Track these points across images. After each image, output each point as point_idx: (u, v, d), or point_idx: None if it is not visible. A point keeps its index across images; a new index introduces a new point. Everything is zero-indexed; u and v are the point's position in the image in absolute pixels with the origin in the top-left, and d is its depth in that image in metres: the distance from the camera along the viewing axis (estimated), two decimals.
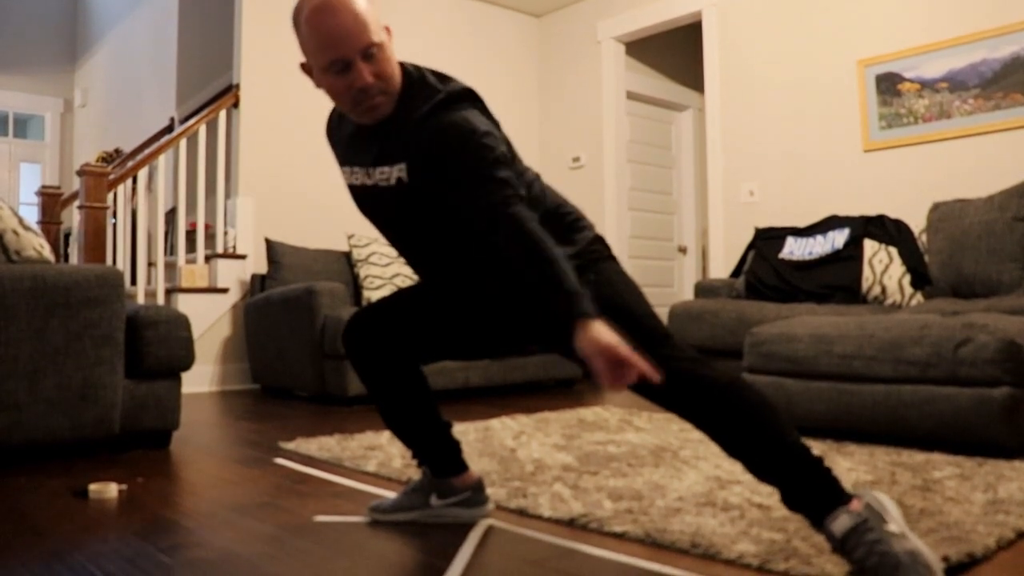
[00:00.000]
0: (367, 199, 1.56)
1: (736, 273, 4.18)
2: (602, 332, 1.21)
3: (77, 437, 2.37)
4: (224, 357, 4.55)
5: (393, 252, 4.41)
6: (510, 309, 1.56)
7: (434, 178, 1.42)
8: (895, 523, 1.25)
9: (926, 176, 4.07)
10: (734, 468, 2.13)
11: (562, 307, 1.25)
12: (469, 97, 1.46)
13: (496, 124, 1.49)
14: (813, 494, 1.30)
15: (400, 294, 1.67)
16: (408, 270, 4.46)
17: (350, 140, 1.56)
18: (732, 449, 1.36)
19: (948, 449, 2.38)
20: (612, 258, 1.54)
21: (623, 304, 1.43)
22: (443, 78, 1.49)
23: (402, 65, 1.48)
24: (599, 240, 1.55)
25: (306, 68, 1.46)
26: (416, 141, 1.42)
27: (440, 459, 1.68)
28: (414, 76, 1.47)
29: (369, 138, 1.50)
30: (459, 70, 5.63)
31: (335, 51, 1.37)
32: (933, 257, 3.59)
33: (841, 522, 1.25)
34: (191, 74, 5.94)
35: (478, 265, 1.52)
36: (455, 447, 1.70)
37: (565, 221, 1.53)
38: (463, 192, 1.38)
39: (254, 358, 4.31)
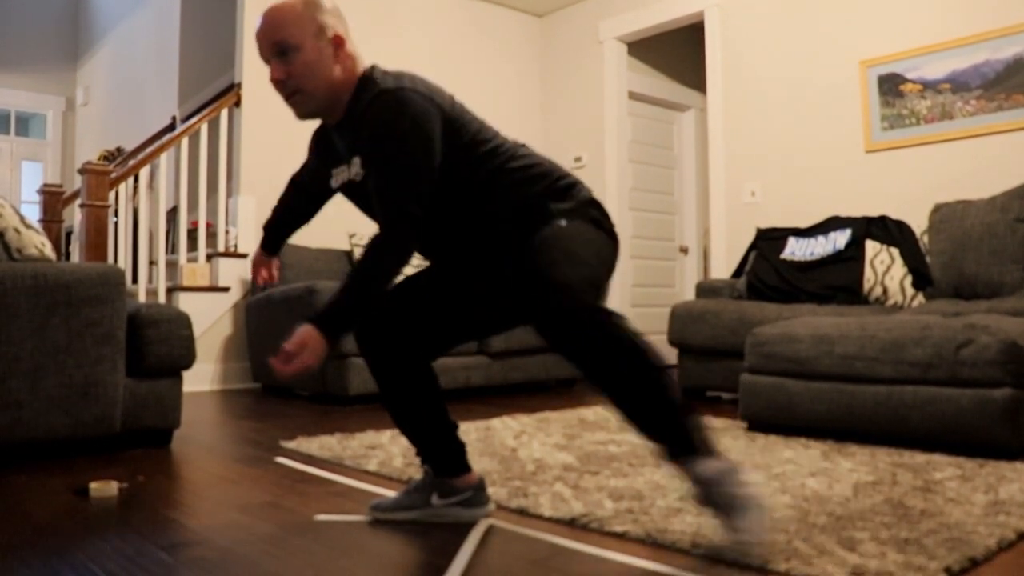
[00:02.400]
0: (358, 195, 1.63)
1: (737, 273, 4.18)
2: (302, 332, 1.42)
3: (78, 435, 2.38)
4: (225, 356, 4.55)
5: None
6: (499, 279, 1.61)
7: (367, 165, 1.53)
8: (749, 477, 1.40)
9: (928, 177, 4.07)
10: None
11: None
12: (405, 83, 1.52)
13: (433, 100, 1.53)
14: (681, 441, 1.38)
15: (405, 283, 1.69)
16: (409, 269, 4.46)
17: (329, 141, 1.69)
18: (624, 403, 1.39)
19: (949, 450, 2.38)
20: (600, 224, 1.59)
21: (572, 246, 1.48)
22: (399, 75, 1.56)
23: (369, 69, 1.59)
24: (593, 204, 1.62)
25: None
26: (361, 132, 1.53)
27: (445, 459, 1.69)
28: (368, 75, 1.58)
29: (339, 136, 1.63)
30: (461, 69, 5.63)
31: (258, 46, 1.55)
32: (935, 258, 3.59)
33: (703, 467, 1.37)
34: (193, 73, 5.94)
35: (463, 228, 1.60)
36: (460, 448, 1.70)
37: (559, 185, 1.61)
38: (373, 183, 1.51)
39: (255, 357, 4.31)
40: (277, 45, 1.51)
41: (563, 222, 1.54)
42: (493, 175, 1.58)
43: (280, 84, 1.54)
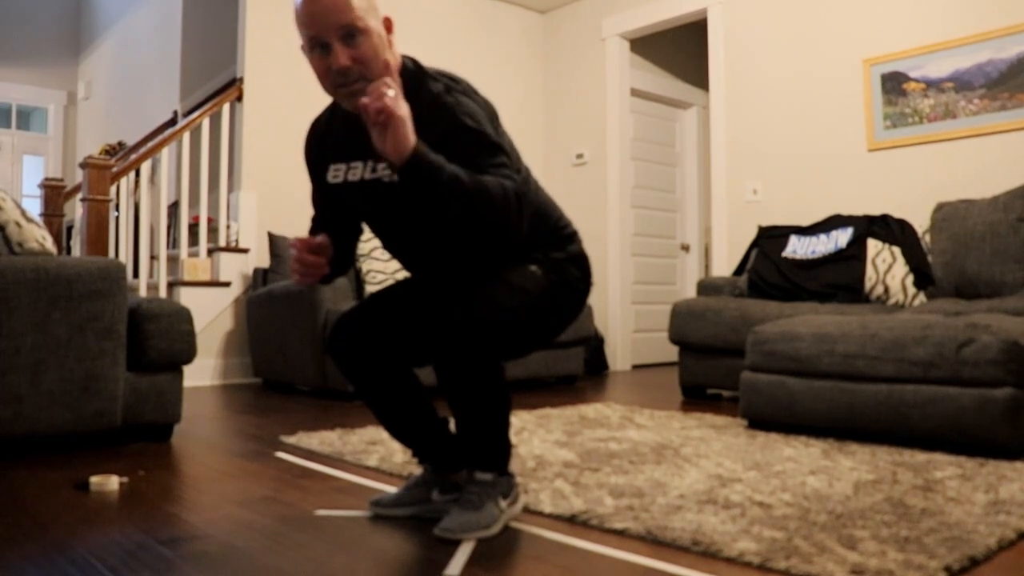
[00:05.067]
0: (363, 195, 1.56)
1: (739, 271, 4.18)
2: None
3: (79, 429, 2.38)
4: (226, 351, 4.56)
5: None
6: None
7: (447, 154, 1.42)
8: (512, 507, 1.60)
9: (930, 176, 4.06)
10: (735, 466, 2.13)
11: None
12: (467, 87, 1.51)
13: (495, 115, 1.52)
14: (493, 453, 1.57)
15: (381, 295, 1.68)
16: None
17: (348, 132, 1.55)
18: (465, 412, 1.53)
19: (950, 449, 2.38)
20: (574, 283, 1.62)
21: (525, 298, 1.52)
22: (442, 72, 1.53)
23: (404, 62, 1.51)
24: (579, 259, 1.65)
25: (303, 47, 1.47)
26: (422, 122, 1.38)
27: (440, 455, 1.68)
28: (411, 68, 1.50)
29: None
30: (464, 66, 5.62)
31: (313, 28, 1.38)
32: (936, 257, 3.58)
33: (485, 476, 1.56)
34: (195, 67, 5.94)
35: (470, 257, 1.57)
36: (453, 442, 1.70)
37: (564, 233, 1.64)
38: (467, 154, 1.40)
39: (256, 352, 4.31)
40: (344, 28, 1.36)
41: (534, 268, 1.56)
42: None
43: (341, 73, 1.39)
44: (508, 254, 1.56)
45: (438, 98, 1.44)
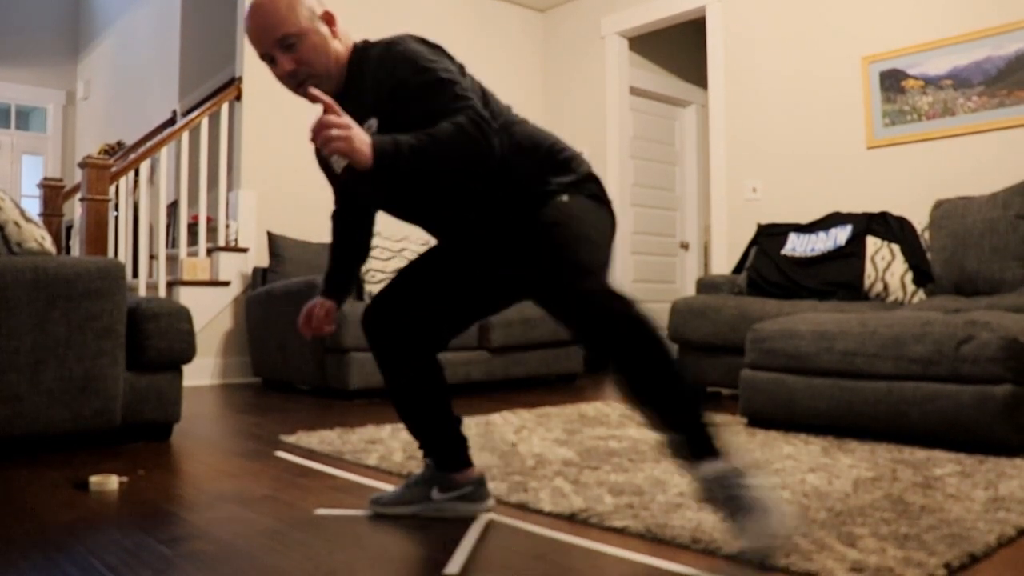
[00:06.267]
0: (359, 179, 1.58)
1: (738, 269, 4.18)
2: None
3: (78, 429, 2.38)
4: (225, 350, 4.56)
5: (395, 246, 4.40)
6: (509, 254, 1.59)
7: (396, 111, 1.48)
8: (758, 479, 1.33)
9: (929, 173, 4.06)
10: None
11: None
12: (404, 38, 1.54)
13: (440, 51, 1.55)
14: (694, 437, 1.34)
15: (409, 268, 1.68)
16: (408, 253, 4.45)
17: None
18: (631, 386, 1.37)
19: (949, 446, 2.38)
20: (600, 199, 1.58)
21: (578, 227, 1.46)
22: (385, 39, 1.57)
23: (355, 44, 1.59)
24: (594, 179, 1.61)
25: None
26: (372, 89, 1.51)
27: (447, 453, 1.69)
28: (359, 47, 1.58)
29: (344, 109, 1.57)
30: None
31: (258, 46, 1.52)
32: (935, 255, 3.58)
33: (712, 467, 1.32)
34: (194, 67, 5.93)
35: (477, 200, 1.57)
36: (463, 443, 1.70)
37: (563, 156, 1.60)
38: (419, 106, 1.44)
39: (255, 351, 4.31)
40: (280, 40, 1.49)
41: (565, 197, 1.53)
42: (499, 135, 1.53)
43: (291, 76, 1.52)
44: (520, 192, 1.54)
45: (380, 60, 1.52)
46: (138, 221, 4.67)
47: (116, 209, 4.62)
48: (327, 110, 1.34)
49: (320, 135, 1.30)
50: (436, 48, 1.55)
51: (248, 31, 1.52)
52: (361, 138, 1.32)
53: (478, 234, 1.61)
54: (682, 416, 1.35)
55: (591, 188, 1.59)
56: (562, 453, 2.31)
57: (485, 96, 1.59)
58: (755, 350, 2.82)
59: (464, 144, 1.40)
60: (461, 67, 1.57)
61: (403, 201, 1.62)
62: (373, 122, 1.51)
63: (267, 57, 1.53)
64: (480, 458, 2.24)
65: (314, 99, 1.40)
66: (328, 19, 1.55)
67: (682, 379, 1.36)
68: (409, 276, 1.67)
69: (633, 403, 1.39)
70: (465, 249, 1.65)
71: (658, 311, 6.01)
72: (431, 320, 1.65)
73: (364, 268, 4.36)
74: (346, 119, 1.32)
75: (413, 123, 1.42)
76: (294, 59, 1.50)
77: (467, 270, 1.65)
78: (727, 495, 1.30)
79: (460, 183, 1.53)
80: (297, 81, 1.53)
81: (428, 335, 1.65)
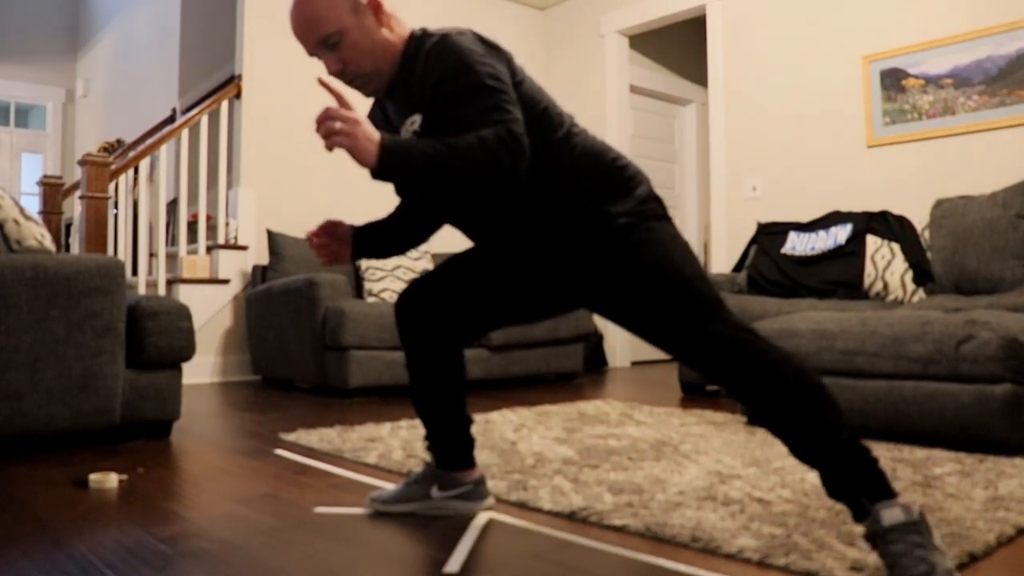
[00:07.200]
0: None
1: (738, 268, 4.18)
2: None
3: (78, 427, 2.38)
4: (225, 348, 4.56)
5: None
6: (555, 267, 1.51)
7: (436, 110, 1.41)
8: (939, 540, 1.23)
9: (930, 172, 4.06)
10: (735, 463, 2.13)
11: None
12: (464, 32, 1.46)
13: (497, 52, 1.46)
14: (860, 480, 1.26)
15: (453, 260, 1.65)
16: (408, 261, 4.46)
17: (387, 118, 1.60)
18: (777, 427, 1.31)
19: (949, 445, 2.38)
20: (666, 217, 1.49)
21: (673, 265, 1.40)
22: (447, 29, 1.49)
23: (418, 29, 1.51)
24: (654, 198, 1.50)
25: None
26: (419, 83, 1.44)
27: (453, 451, 1.69)
28: (416, 35, 1.50)
29: (393, 100, 1.54)
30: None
31: (304, 45, 1.47)
32: (936, 254, 3.58)
33: (893, 513, 1.21)
34: (193, 64, 5.93)
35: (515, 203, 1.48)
36: (470, 443, 1.71)
37: (623, 175, 1.49)
38: (453, 110, 1.37)
39: (255, 349, 4.31)
40: (322, 41, 1.43)
41: (644, 232, 1.43)
42: (557, 148, 1.45)
43: (339, 74, 1.47)
44: (568, 206, 1.45)
45: (430, 52, 1.43)
46: (138, 219, 4.67)
47: (116, 207, 4.62)
48: (339, 101, 1.30)
49: (323, 126, 1.26)
50: (495, 50, 1.45)
51: (293, 32, 1.47)
52: (367, 135, 1.27)
53: (527, 245, 1.52)
54: (841, 460, 1.27)
55: (655, 208, 1.48)
56: (562, 451, 2.31)
57: (546, 108, 1.47)
58: None
59: (483, 163, 1.30)
60: (521, 74, 1.47)
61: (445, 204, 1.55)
62: (417, 118, 1.45)
63: (313, 54, 1.48)
64: (480, 456, 2.24)
65: (339, 99, 1.33)
66: (375, 6, 1.46)
67: (834, 422, 1.28)
68: (451, 267, 1.64)
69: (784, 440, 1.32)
70: (512, 256, 1.57)
71: None
72: (464, 315, 1.62)
73: (364, 266, 4.36)
74: (354, 113, 1.27)
75: (447, 127, 1.36)
76: (339, 59, 1.45)
77: (511, 275, 1.59)
78: (908, 553, 1.18)
79: (490, 197, 1.45)
80: (345, 79, 1.48)
81: (458, 328, 1.63)
